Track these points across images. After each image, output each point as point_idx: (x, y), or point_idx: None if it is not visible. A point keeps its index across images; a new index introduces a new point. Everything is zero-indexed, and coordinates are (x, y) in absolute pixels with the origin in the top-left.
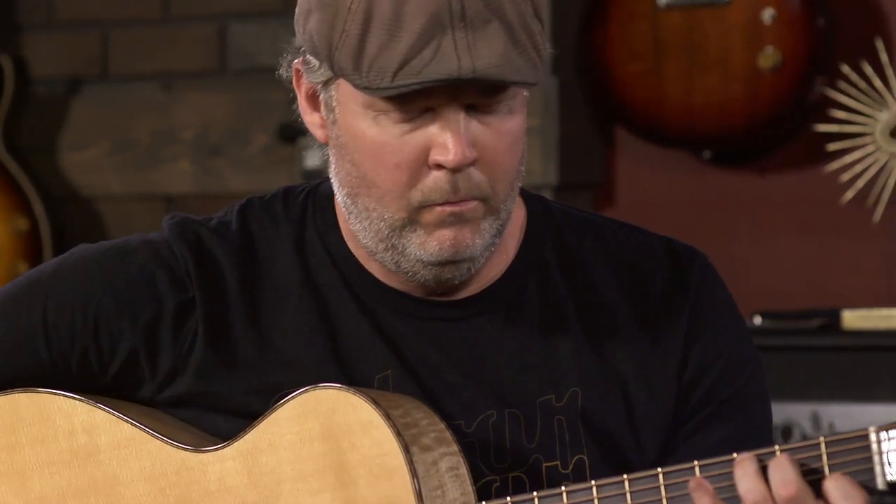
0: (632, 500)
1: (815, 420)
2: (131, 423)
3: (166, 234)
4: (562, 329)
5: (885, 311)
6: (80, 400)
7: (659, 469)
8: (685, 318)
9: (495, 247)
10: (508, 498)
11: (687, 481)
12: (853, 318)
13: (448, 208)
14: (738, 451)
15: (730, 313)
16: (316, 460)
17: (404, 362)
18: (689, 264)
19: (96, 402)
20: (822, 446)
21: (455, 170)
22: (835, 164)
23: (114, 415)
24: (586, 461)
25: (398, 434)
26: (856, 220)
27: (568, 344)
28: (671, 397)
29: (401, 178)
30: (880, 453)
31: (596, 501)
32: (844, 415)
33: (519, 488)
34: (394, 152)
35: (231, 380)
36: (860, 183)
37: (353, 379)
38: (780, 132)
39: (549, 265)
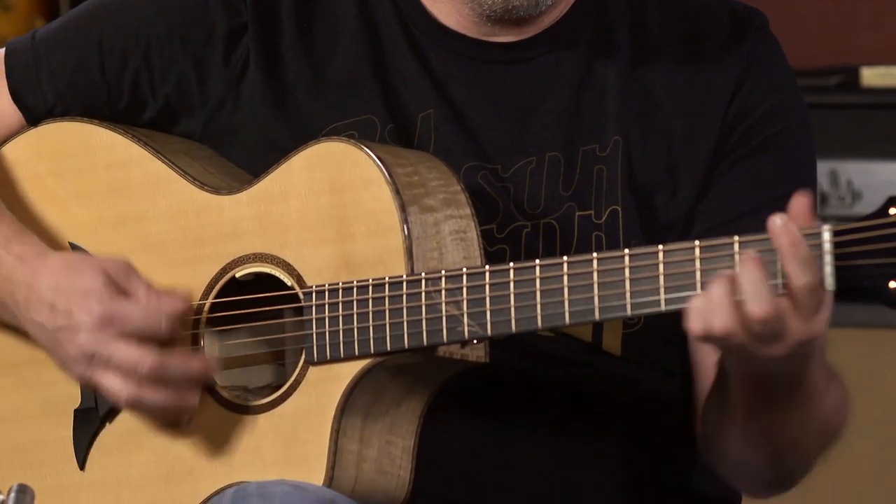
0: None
1: (834, 177)
2: (163, 161)
3: None
4: (612, 79)
5: None
6: (121, 133)
7: (657, 248)
8: (738, 67)
9: None
10: (511, 263)
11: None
12: (872, 76)
13: None
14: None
15: (780, 67)
16: (321, 212)
17: (448, 102)
18: (748, 22)
19: (136, 136)
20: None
21: None
22: None
23: (149, 151)
24: (620, 213)
25: (397, 193)
26: None
27: (617, 93)
28: (714, 139)
29: None
30: (832, 253)
31: (595, 273)
32: (862, 172)
33: (549, 235)
34: None
35: (278, 111)
36: None
37: (396, 116)
38: None
39: (609, 17)
